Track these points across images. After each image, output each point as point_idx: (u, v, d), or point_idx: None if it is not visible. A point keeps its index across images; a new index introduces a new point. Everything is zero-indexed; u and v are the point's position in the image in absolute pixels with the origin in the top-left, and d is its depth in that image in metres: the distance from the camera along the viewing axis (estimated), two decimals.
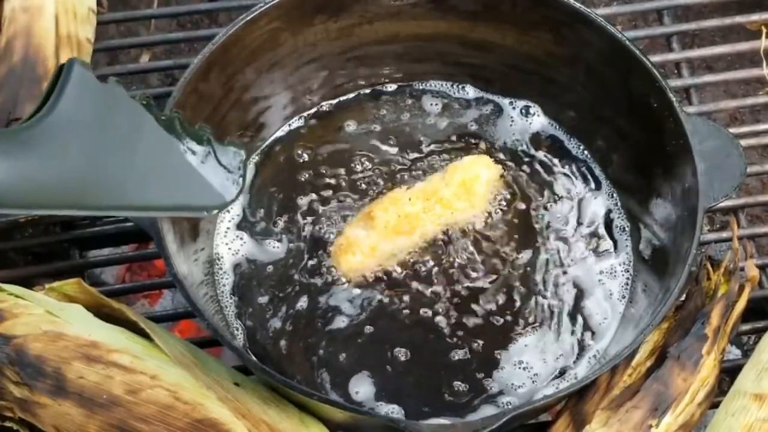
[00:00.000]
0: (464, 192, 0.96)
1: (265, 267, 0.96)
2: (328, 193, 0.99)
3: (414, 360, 0.91)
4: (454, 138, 1.03)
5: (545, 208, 0.99)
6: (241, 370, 0.90)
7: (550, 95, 1.03)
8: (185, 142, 0.77)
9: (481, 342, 0.92)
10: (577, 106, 1.01)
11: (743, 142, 0.93)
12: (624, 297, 0.95)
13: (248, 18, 0.92)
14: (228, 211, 0.98)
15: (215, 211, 0.81)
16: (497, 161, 1.00)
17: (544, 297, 0.95)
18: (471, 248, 0.97)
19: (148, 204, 0.74)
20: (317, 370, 0.91)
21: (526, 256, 0.97)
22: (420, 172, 1.01)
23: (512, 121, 1.04)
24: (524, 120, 1.04)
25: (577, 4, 0.94)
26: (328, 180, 1.00)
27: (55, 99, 0.65)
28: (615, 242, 0.98)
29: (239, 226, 0.97)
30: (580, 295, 0.95)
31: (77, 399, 0.81)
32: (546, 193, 1.00)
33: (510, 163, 1.02)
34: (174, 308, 1.07)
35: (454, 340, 0.92)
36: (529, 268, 0.96)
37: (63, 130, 0.65)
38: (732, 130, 0.96)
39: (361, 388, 0.90)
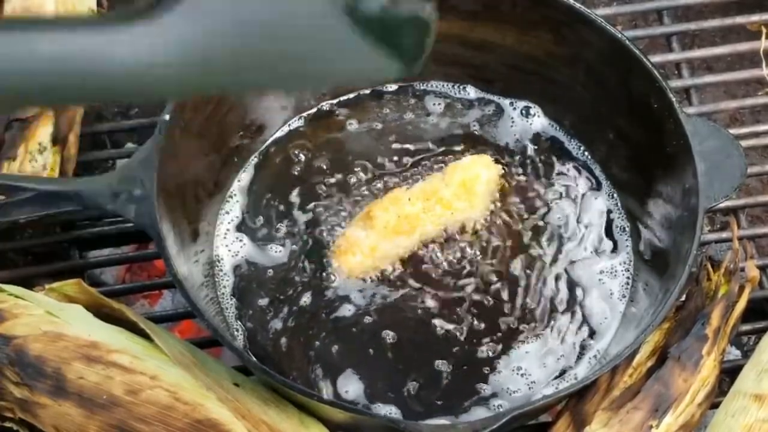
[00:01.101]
0: (464, 192, 0.96)
1: (265, 268, 0.96)
2: (329, 192, 0.99)
3: (413, 360, 0.91)
4: (455, 138, 1.03)
5: (545, 209, 0.99)
6: (241, 371, 0.90)
7: (551, 95, 1.03)
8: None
9: (480, 344, 0.92)
10: (577, 106, 1.01)
11: (743, 143, 0.93)
12: (624, 296, 0.95)
13: None
14: (227, 213, 0.98)
15: (391, 78, 0.68)
16: (498, 162, 1.00)
17: (545, 297, 0.95)
18: (471, 248, 0.97)
19: (308, 75, 0.63)
20: (317, 371, 0.91)
21: (525, 256, 0.97)
22: (420, 172, 1.01)
23: (513, 121, 1.04)
24: (525, 121, 1.04)
25: (577, 4, 0.94)
26: (328, 180, 1.00)
27: None
28: (615, 242, 0.98)
29: (239, 228, 0.97)
30: (580, 294, 0.95)
31: (77, 399, 0.81)
32: (546, 193, 1.00)
33: (511, 164, 1.02)
34: (174, 308, 1.07)
35: (454, 341, 0.92)
36: (529, 269, 0.96)
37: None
38: (732, 130, 0.96)
39: (360, 388, 0.90)
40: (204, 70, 0.57)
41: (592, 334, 0.93)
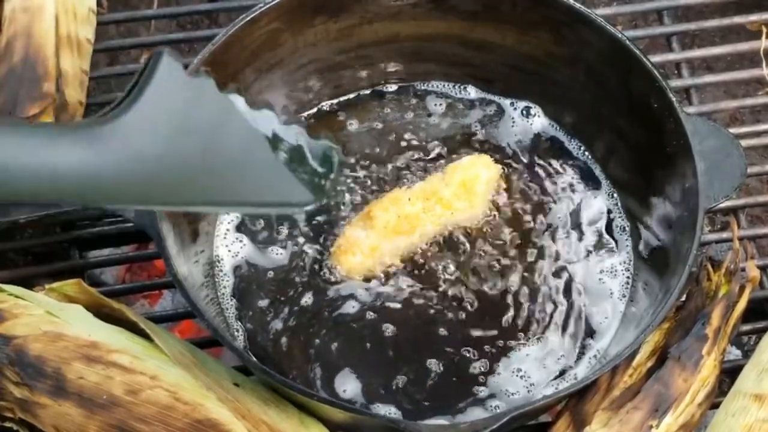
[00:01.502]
0: (464, 192, 0.96)
1: (265, 269, 0.96)
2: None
3: (413, 360, 0.91)
4: (456, 138, 1.03)
5: (545, 208, 0.99)
6: (241, 371, 0.90)
7: (551, 96, 1.03)
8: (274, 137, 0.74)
9: (480, 344, 0.92)
10: (577, 106, 1.01)
11: (743, 143, 0.93)
12: (624, 296, 0.95)
13: (248, 18, 0.92)
14: (227, 213, 0.98)
15: (302, 209, 0.79)
16: (499, 162, 1.00)
17: (545, 297, 0.95)
18: (471, 248, 0.97)
19: (232, 200, 0.72)
20: (317, 371, 0.91)
21: (526, 256, 0.97)
22: (421, 172, 1.00)
23: (513, 122, 1.04)
24: (525, 121, 1.04)
25: (577, 4, 0.94)
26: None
27: (140, 88, 0.63)
28: (615, 242, 0.98)
29: (239, 228, 0.97)
30: (580, 294, 0.95)
31: (77, 399, 0.80)
32: (546, 193, 1.00)
33: (511, 164, 1.02)
34: (174, 308, 1.07)
35: (453, 342, 0.92)
36: (529, 268, 0.96)
37: (148, 120, 0.63)
38: (732, 130, 0.96)
39: (360, 388, 0.90)
40: (140, 183, 0.64)
41: (592, 333, 0.93)
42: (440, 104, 1.05)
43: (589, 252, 0.97)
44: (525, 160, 1.02)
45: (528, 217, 0.99)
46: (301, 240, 0.97)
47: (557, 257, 0.97)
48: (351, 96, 1.05)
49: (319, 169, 0.78)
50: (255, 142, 0.72)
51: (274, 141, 0.73)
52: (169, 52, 0.65)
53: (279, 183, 0.74)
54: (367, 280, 0.95)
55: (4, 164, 0.57)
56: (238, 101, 0.71)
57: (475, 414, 0.88)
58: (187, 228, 0.91)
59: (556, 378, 0.91)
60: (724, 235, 1.08)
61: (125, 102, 0.63)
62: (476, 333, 0.93)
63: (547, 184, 1.01)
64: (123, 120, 0.62)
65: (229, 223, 0.97)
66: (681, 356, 0.86)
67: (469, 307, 0.94)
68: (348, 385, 0.90)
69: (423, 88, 1.06)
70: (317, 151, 0.78)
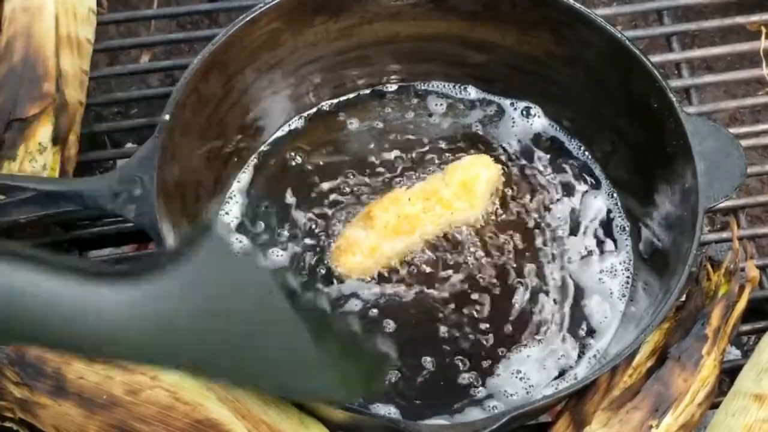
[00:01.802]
0: (464, 192, 0.96)
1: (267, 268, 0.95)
2: (329, 192, 0.99)
3: (412, 360, 0.91)
4: (456, 138, 1.03)
5: (545, 208, 0.99)
6: None
7: (551, 96, 1.03)
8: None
9: (479, 345, 0.92)
10: (577, 106, 1.01)
11: (743, 143, 0.93)
12: (624, 296, 0.95)
13: (248, 18, 0.92)
14: (227, 214, 0.98)
15: (337, 405, 0.74)
16: (499, 162, 1.00)
17: (545, 297, 0.95)
18: (471, 248, 0.97)
19: (256, 383, 0.68)
20: None
21: (526, 255, 0.97)
22: (421, 172, 1.01)
23: (514, 122, 1.04)
24: (525, 121, 1.04)
25: (577, 4, 0.94)
26: (328, 179, 1.00)
27: (185, 255, 0.60)
28: (615, 242, 0.98)
29: (238, 229, 0.97)
30: (580, 293, 0.95)
31: (77, 399, 0.80)
32: (546, 193, 1.00)
33: (511, 164, 1.02)
34: None
35: (452, 342, 0.92)
36: (528, 268, 0.96)
37: (186, 288, 0.59)
38: (732, 130, 0.96)
39: None
40: (172, 342, 0.60)
41: (592, 333, 0.93)
42: (441, 104, 1.05)
43: (588, 252, 0.97)
44: (525, 160, 1.02)
45: (528, 217, 0.99)
46: (300, 241, 0.97)
47: (557, 257, 0.97)
48: (351, 96, 1.05)
49: (368, 371, 0.72)
50: (295, 330, 0.65)
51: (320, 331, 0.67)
52: (221, 227, 0.63)
53: (317, 377, 0.68)
54: (367, 280, 0.95)
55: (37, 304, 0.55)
56: (282, 295, 0.65)
57: (474, 414, 0.88)
58: (187, 228, 0.91)
59: (556, 378, 0.91)
60: (724, 235, 1.07)
61: (166, 262, 0.60)
62: (476, 333, 0.93)
63: (547, 184, 1.01)
64: (162, 280, 0.59)
65: (228, 223, 0.97)
66: (681, 356, 0.86)
67: (469, 307, 0.94)
68: None
69: (423, 88, 1.06)
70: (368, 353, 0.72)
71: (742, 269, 0.95)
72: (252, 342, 0.63)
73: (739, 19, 1.19)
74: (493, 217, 0.98)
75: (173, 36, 1.24)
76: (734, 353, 1.12)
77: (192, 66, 0.89)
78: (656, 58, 1.13)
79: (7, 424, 0.83)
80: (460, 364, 0.91)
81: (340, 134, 1.04)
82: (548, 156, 1.02)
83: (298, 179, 1.00)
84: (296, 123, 1.04)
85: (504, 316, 0.94)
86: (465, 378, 0.90)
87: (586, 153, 1.02)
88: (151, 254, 0.60)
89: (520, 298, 0.94)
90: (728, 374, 0.95)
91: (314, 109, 1.05)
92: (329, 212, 0.98)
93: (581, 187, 1.01)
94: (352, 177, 1.00)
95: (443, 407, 0.89)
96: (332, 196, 0.99)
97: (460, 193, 0.96)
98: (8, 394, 0.82)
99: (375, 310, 0.93)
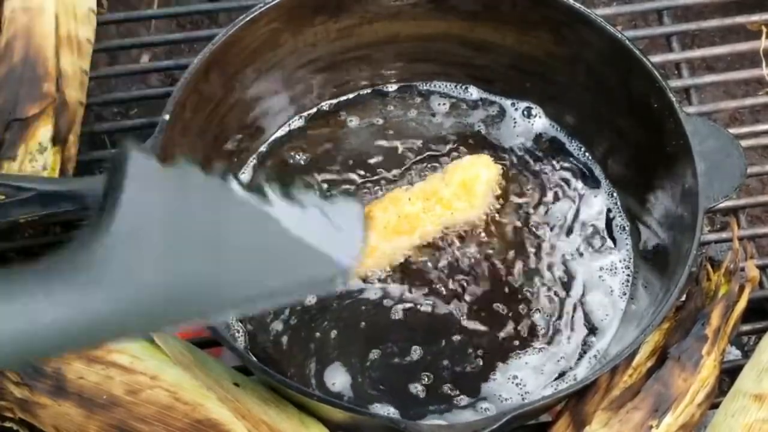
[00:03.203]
0: (464, 192, 0.96)
1: None
2: (329, 192, 0.99)
3: (411, 360, 0.91)
4: (458, 138, 1.03)
5: (545, 208, 0.99)
6: (241, 371, 0.89)
7: (551, 96, 1.03)
8: (284, 208, 0.62)
9: (478, 346, 0.92)
10: (577, 106, 1.01)
11: (743, 143, 0.93)
12: (625, 294, 0.95)
13: (248, 18, 0.92)
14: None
15: (338, 282, 0.66)
16: (500, 162, 1.00)
17: (546, 296, 0.95)
18: (471, 248, 0.97)
19: (253, 293, 0.60)
20: (317, 371, 0.91)
21: (526, 255, 0.97)
22: (421, 172, 1.01)
23: (515, 122, 1.04)
24: (526, 122, 1.04)
25: (577, 4, 0.94)
26: (328, 179, 1.00)
27: (114, 198, 0.54)
28: (614, 241, 0.98)
29: None
30: (581, 292, 0.95)
31: (77, 399, 0.81)
32: (546, 193, 1.00)
33: (512, 164, 1.02)
34: None
35: (452, 342, 0.92)
36: (529, 268, 0.96)
37: (134, 233, 0.54)
38: (732, 130, 0.96)
39: (357, 387, 0.90)
40: (147, 307, 0.54)
41: (593, 331, 0.93)
42: (444, 104, 1.05)
43: (588, 250, 0.97)
44: (526, 160, 1.02)
45: (528, 217, 0.99)
46: None
47: (557, 256, 0.97)
48: (351, 95, 1.06)
49: (346, 230, 0.66)
50: (259, 219, 0.61)
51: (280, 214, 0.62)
52: (135, 146, 0.57)
53: (300, 257, 0.63)
54: (367, 280, 0.95)
55: None
56: (230, 182, 0.61)
57: (472, 415, 0.88)
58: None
59: (555, 379, 0.91)
60: (724, 235, 1.07)
61: (102, 218, 0.54)
62: (476, 333, 0.93)
63: (547, 184, 1.01)
64: (106, 242, 0.53)
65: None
66: (681, 356, 0.86)
67: (468, 308, 0.94)
68: (346, 385, 0.90)
69: (425, 88, 1.06)
70: (339, 212, 0.66)
71: (742, 269, 0.95)
72: (224, 253, 0.58)
73: (740, 19, 1.19)
74: (493, 217, 0.98)
75: (173, 36, 1.24)
76: (734, 353, 1.12)
77: (192, 66, 0.89)
78: (656, 58, 1.13)
79: (7, 424, 0.83)
80: (458, 364, 0.91)
81: (341, 134, 1.04)
82: (549, 156, 1.02)
83: (299, 179, 1.00)
84: (296, 123, 1.04)
85: (504, 316, 0.94)
86: (464, 378, 0.90)
87: (587, 153, 1.02)
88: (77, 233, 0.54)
89: (521, 297, 0.94)
90: (728, 374, 0.95)
91: (314, 109, 1.05)
92: None
93: (581, 187, 1.01)
94: (352, 177, 1.00)
95: (442, 408, 0.89)
96: (332, 196, 0.99)
97: (460, 193, 0.96)
98: (8, 394, 0.82)
99: (374, 310, 0.93)
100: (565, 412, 0.88)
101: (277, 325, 0.93)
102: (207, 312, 0.59)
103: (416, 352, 0.92)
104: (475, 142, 1.03)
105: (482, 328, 0.93)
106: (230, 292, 0.59)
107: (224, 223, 0.59)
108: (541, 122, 1.04)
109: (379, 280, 0.95)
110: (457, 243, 0.97)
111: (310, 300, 0.94)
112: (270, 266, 0.61)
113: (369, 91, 1.06)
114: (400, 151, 1.02)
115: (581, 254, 0.97)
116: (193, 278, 0.56)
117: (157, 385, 0.81)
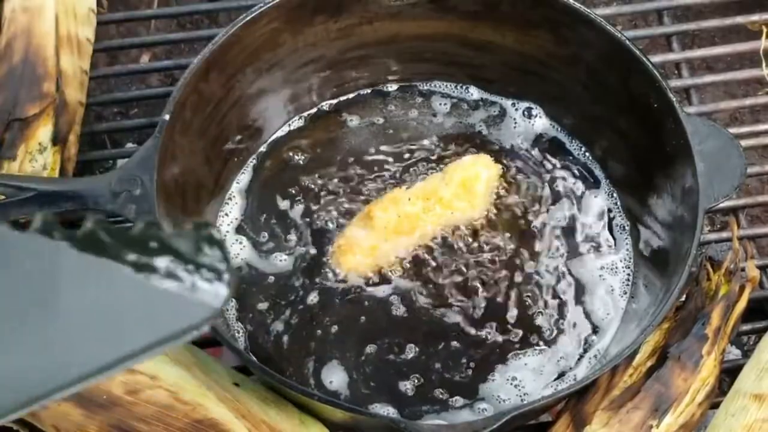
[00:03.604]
0: (464, 192, 0.96)
1: (265, 270, 0.96)
2: (329, 192, 0.99)
3: (411, 361, 0.91)
4: (458, 138, 1.03)
5: (545, 208, 0.99)
6: (241, 371, 0.90)
7: (551, 96, 1.03)
8: (125, 254, 0.49)
9: (478, 346, 0.92)
10: (577, 106, 1.01)
11: (743, 143, 0.93)
12: (625, 293, 0.95)
13: (248, 18, 0.92)
14: (227, 215, 0.98)
15: (204, 326, 0.50)
16: (500, 162, 1.00)
17: (546, 296, 0.95)
18: (471, 248, 0.97)
19: (105, 363, 0.48)
20: (317, 370, 0.91)
21: (526, 255, 0.97)
22: (421, 172, 1.00)
23: (515, 122, 1.04)
24: (527, 122, 1.04)
25: (577, 4, 0.94)
26: (328, 179, 1.00)
27: None
28: (614, 240, 0.98)
29: (238, 230, 0.97)
30: (582, 291, 0.95)
31: (77, 399, 0.80)
32: (546, 192, 1.00)
33: (512, 164, 1.02)
34: None
35: (452, 343, 0.92)
36: (529, 268, 0.96)
37: None
38: (732, 130, 0.96)
39: (356, 386, 0.90)
40: None
41: (594, 330, 0.93)
42: (445, 104, 1.05)
43: (589, 250, 0.97)
44: (526, 160, 1.02)
45: (528, 217, 0.99)
46: (300, 241, 0.97)
47: (557, 256, 0.97)
48: (351, 95, 1.06)
49: (205, 262, 0.50)
50: (99, 271, 0.48)
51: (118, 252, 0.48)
52: None
53: (157, 308, 0.50)
54: (367, 280, 0.95)
55: None
56: (54, 233, 0.47)
57: (470, 415, 0.88)
58: None
59: (555, 379, 0.91)
60: (724, 235, 1.08)
61: None
62: (475, 334, 0.93)
63: (547, 183, 1.01)
64: None
65: (228, 224, 0.97)
66: (681, 356, 0.86)
67: (468, 308, 0.94)
68: (345, 384, 0.90)
69: (426, 88, 1.06)
70: (187, 242, 0.51)
71: (742, 269, 0.95)
72: (62, 320, 0.47)
73: (740, 19, 1.19)
74: (493, 217, 0.98)
75: (173, 36, 1.24)
76: (734, 353, 1.12)
77: (192, 66, 0.89)
78: (656, 58, 1.13)
79: (7, 424, 0.83)
80: (458, 365, 0.91)
81: (341, 134, 1.04)
82: (549, 156, 1.02)
83: (298, 180, 1.00)
84: (296, 123, 1.04)
85: (504, 316, 0.93)
86: (463, 379, 0.90)
87: (587, 153, 1.02)
88: None
89: (521, 297, 0.94)
90: (728, 374, 0.95)
91: (314, 109, 1.05)
92: (330, 212, 0.98)
93: (581, 187, 1.01)
94: (352, 176, 1.00)
95: (442, 407, 0.89)
96: (332, 196, 0.99)
97: (460, 192, 0.96)
98: None
99: (374, 310, 0.93)
100: (566, 411, 0.88)
101: (278, 326, 0.93)
102: (48, 394, 0.47)
103: (414, 352, 0.92)
104: (476, 142, 1.03)
105: (482, 328, 0.93)
106: (79, 359, 0.48)
107: (57, 283, 0.48)
108: (541, 122, 1.04)
109: (380, 280, 0.95)
110: (457, 243, 0.97)
111: (306, 301, 0.94)
112: (120, 322, 0.49)
113: (369, 91, 1.06)
114: (400, 150, 1.02)
115: (581, 254, 0.97)
116: (30, 350, 0.47)
117: (157, 385, 0.81)
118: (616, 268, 0.96)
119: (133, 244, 0.49)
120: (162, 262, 0.49)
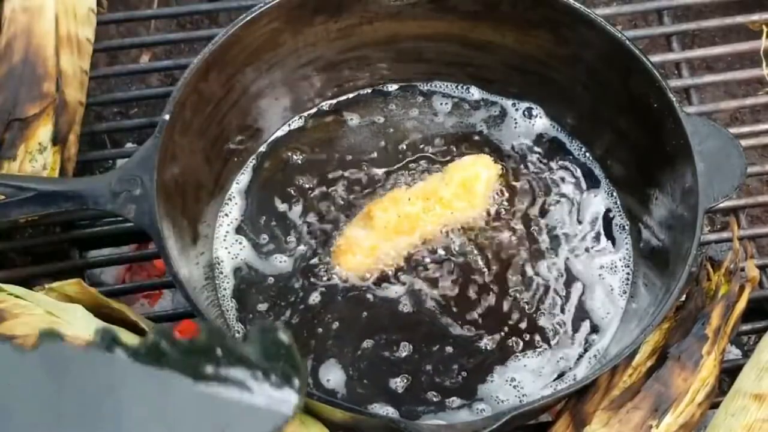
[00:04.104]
0: (464, 192, 0.96)
1: (265, 270, 0.96)
2: (329, 192, 0.99)
3: (411, 361, 0.91)
4: (459, 138, 1.03)
5: (545, 208, 0.99)
6: None
7: (552, 96, 1.03)
8: (191, 365, 0.48)
9: (478, 346, 0.92)
10: (577, 106, 1.01)
11: (743, 143, 0.93)
12: (625, 292, 0.95)
13: (248, 18, 0.92)
14: (227, 215, 0.98)
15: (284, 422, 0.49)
16: (500, 162, 1.00)
17: (546, 295, 0.95)
18: (471, 248, 0.97)
19: None
20: (317, 370, 0.91)
21: (525, 254, 0.97)
22: (422, 171, 1.00)
23: (516, 123, 1.04)
24: (527, 122, 1.04)
25: (577, 4, 0.94)
26: (328, 179, 1.00)
27: None
28: (614, 240, 0.98)
29: (238, 230, 0.97)
30: (582, 290, 0.95)
31: None
32: (546, 192, 1.00)
33: (512, 164, 1.02)
34: (174, 308, 1.07)
35: (452, 343, 0.92)
36: (529, 268, 0.96)
37: None
38: (732, 130, 0.96)
39: (355, 386, 0.90)
40: None
41: (594, 330, 0.93)
42: (446, 103, 1.05)
43: (588, 250, 0.97)
44: (526, 160, 1.02)
45: (528, 217, 0.99)
46: (300, 241, 0.97)
47: (557, 256, 0.97)
48: (351, 95, 1.05)
49: (275, 369, 0.50)
50: (161, 386, 0.48)
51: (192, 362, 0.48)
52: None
53: (224, 420, 0.48)
54: (367, 280, 0.95)
55: None
56: (114, 349, 0.47)
57: (468, 416, 0.88)
58: (187, 228, 0.91)
59: (555, 379, 0.91)
60: (724, 235, 1.07)
61: None
62: (475, 334, 0.93)
63: (547, 183, 1.01)
64: None
65: (228, 225, 0.97)
66: (681, 356, 0.86)
67: (468, 308, 0.94)
68: (345, 384, 0.90)
69: (426, 88, 1.06)
70: (257, 348, 0.51)
71: (742, 269, 0.95)
72: None
73: (740, 19, 1.19)
74: (493, 217, 0.98)
75: (173, 36, 1.24)
76: (734, 353, 1.12)
77: (192, 65, 0.89)
78: (656, 58, 1.13)
79: None
80: (458, 365, 0.91)
81: (341, 134, 1.04)
82: (549, 156, 1.02)
83: (298, 179, 1.00)
84: (296, 123, 1.04)
85: (504, 317, 0.93)
86: (463, 379, 0.90)
87: (587, 153, 1.02)
88: None
89: (521, 297, 0.94)
90: (728, 374, 0.95)
91: (314, 109, 1.05)
92: (330, 212, 0.98)
93: (581, 187, 1.01)
94: (352, 176, 1.00)
95: (441, 408, 0.89)
96: (332, 196, 0.99)
97: (460, 192, 0.96)
98: None
99: (374, 310, 0.93)
100: (565, 411, 0.88)
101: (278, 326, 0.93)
102: None
103: (413, 351, 0.92)
104: (476, 142, 1.03)
105: (481, 328, 0.93)
106: None
107: (114, 401, 0.47)
108: (541, 122, 1.04)
109: (380, 280, 0.95)
110: (457, 243, 0.97)
111: (306, 300, 0.94)
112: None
113: (369, 90, 1.06)
114: (400, 150, 1.02)
115: (581, 253, 0.97)
116: None
117: None
118: (616, 267, 0.96)
119: (199, 354, 0.48)
120: (230, 372, 0.47)
